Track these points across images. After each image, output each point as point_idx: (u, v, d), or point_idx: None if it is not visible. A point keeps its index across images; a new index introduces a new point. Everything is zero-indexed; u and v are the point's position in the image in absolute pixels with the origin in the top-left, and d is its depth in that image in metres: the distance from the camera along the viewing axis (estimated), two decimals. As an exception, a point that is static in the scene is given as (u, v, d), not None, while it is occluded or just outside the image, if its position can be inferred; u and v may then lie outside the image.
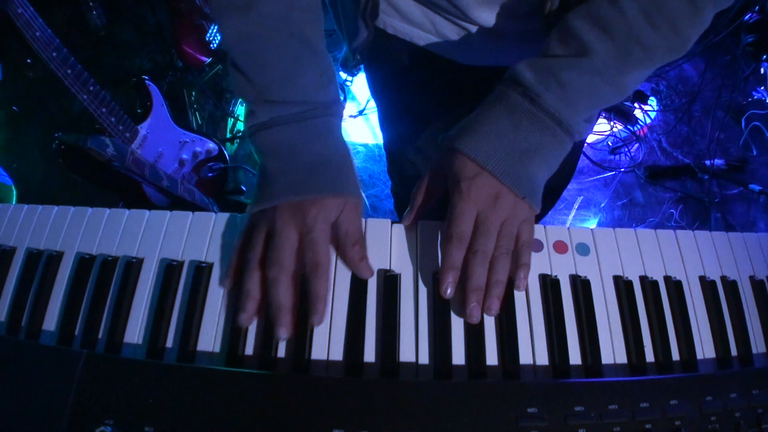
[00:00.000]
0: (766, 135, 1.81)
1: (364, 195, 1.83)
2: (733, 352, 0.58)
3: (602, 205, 1.90)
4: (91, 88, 1.30)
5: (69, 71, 1.27)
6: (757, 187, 1.47)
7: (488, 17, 0.66)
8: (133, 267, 0.56)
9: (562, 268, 0.59)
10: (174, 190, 1.39)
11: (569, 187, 1.88)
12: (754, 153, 1.79)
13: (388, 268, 0.58)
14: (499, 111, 0.56)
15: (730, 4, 0.56)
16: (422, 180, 0.61)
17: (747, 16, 1.75)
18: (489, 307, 0.53)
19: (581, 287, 0.57)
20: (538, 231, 0.61)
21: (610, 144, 2.06)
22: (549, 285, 0.56)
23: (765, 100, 1.91)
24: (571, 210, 1.87)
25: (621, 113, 1.96)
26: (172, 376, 0.47)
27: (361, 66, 0.81)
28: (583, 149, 2.00)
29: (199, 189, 1.48)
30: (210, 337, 0.54)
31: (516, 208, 0.55)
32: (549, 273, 0.58)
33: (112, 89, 1.99)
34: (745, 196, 1.72)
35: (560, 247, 0.60)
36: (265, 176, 0.57)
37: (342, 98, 0.63)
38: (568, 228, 0.62)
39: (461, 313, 0.54)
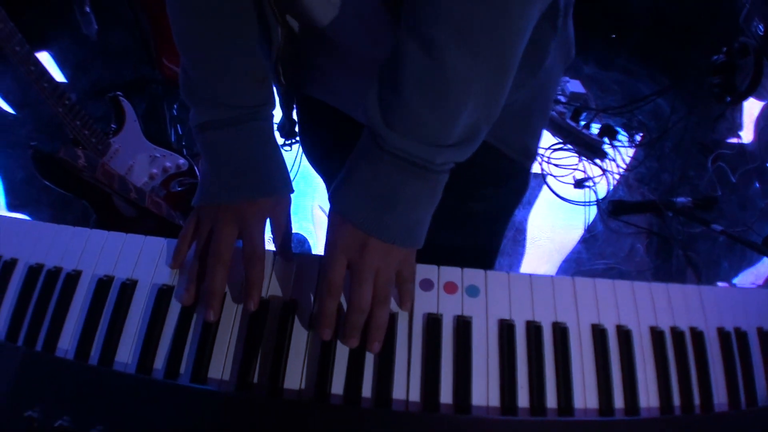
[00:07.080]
0: (730, 175, 1.82)
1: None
2: (618, 403, 0.58)
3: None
4: (66, 102, 1.33)
5: (45, 85, 1.30)
6: (718, 227, 1.47)
7: None
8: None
9: (449, 308, 0.61)
10: (141, 202, 1.43)
11: (536, 223, 1.88)
12: (719, 193, 1.80)
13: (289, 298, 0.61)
14: (358, 162, 0.54)
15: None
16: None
17: (714, 57, 1.78)
18: (371, 349, 0.55)
19: (462, 327, 0.59)
20: (431, 271, 0.63)
21: (575, 178, 2.04)
22: (430, 323, 0.58)
23: (729, 140, 1.92)
24: (532, 243, 1.87)
25: (589, 147, 1.97)
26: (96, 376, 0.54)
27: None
28: (547, 182, 2.01)
29: (167, 202, 1.52)
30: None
31: (388, 253, 0.54)
32: (435, 312, 0.60)
33: (96, 99, 2.03)
34: (709, 235, 1.72)
35: (450, 287, 0.62)
36: (206, 174, 0.65)
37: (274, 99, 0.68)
38: (462, 269, 0.63)
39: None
